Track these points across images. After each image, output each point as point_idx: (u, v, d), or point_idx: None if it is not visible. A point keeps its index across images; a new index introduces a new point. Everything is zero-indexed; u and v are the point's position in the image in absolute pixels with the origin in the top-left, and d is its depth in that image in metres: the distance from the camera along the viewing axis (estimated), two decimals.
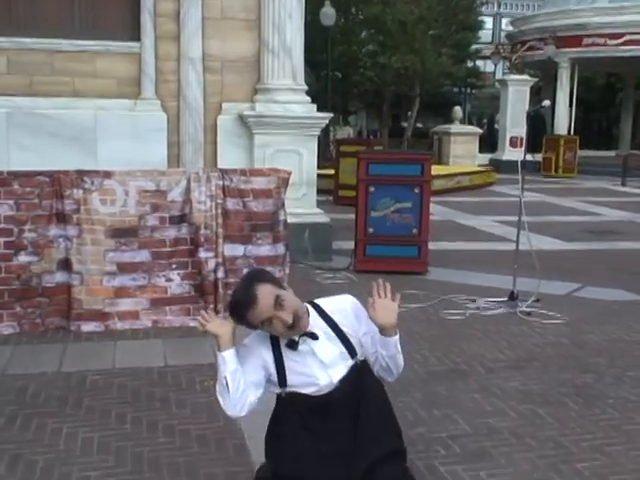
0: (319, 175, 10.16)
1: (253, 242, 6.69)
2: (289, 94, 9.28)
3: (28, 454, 4.09)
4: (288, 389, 3.10)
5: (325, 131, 24.14)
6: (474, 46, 38.72)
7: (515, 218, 7.78)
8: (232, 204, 6.59)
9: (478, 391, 5.15)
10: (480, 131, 27.41)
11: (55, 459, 4.04)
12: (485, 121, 42.47)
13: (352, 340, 3.15)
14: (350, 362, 3.12)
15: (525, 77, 26.67)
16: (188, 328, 6.43)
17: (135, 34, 9.05)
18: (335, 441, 3.10)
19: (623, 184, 21.63)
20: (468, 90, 45.51)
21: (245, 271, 6.63)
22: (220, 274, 6.57)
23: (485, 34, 42.96)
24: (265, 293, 2.98)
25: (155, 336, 6.28)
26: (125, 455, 4.10)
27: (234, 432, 4.37)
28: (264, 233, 6.71)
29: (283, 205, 6.79)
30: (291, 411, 3.13)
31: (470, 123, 35.99)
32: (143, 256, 6.47)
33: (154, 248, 6.47)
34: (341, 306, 3.22)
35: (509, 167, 20.78)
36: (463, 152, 24.43)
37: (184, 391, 5.04)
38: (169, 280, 6.54)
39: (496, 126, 33.43)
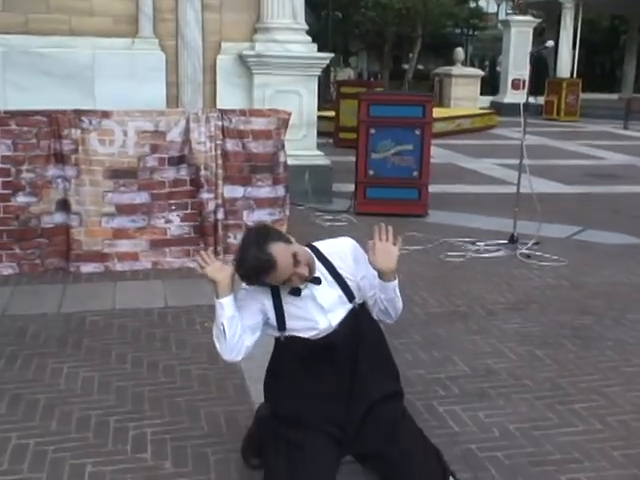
0: (319, 117, 10.07)
1: (253, 184, 6.64)
2: (289, 34, 9.15)
3: (29, 394, 4.11)
4: (287, 333, 3.10)
5: (325, 72, 23.89)
6: None
7: (516, 161, 7.74)
8: (231, 145, 6.53)
9: (477, 333, 5.17)
10: (482, 73, 27.15)
11: (56, 398, 4.06)
12: (487, 63, 41.98)
13: (350, 284, 3.14)
14: (348, 306, 3.12)
15: (528, 18, 26.32)
16: (188, 269, 6.43)
17: None
18: (334, 383, 3.11)
19: (625, 127, 21.48)
20: (470, 31, 44.91)
21: (246, 217, 6.63)
22: (220, 215, 6.55)
23: None
24: (282, 253, 2.90)
25: (155, 277, 6.28)
26: (126, 394, 4.13)
27: (234, 372, 4.39)
28: (264, 174, 6.66)
29: (283, 146, 6.74)
30: (290, 354, 3.13)
31: (472, 65, 35.59)
32: (142, 197, 6.43)
33: (153, 189, 6.43)
34: (340, 249, 3.19)
35: (510, 110, 20.64)
36: (464, 94, 24.23)
37: (184, 332, 5.06)
38: (168, 222, 6.52)
39: (498, 68, 33.06)
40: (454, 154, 14.77)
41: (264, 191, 6.69)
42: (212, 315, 5.33)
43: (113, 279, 6.19)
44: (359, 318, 3.15)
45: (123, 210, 6.39)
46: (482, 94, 25.63)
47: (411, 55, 33.39)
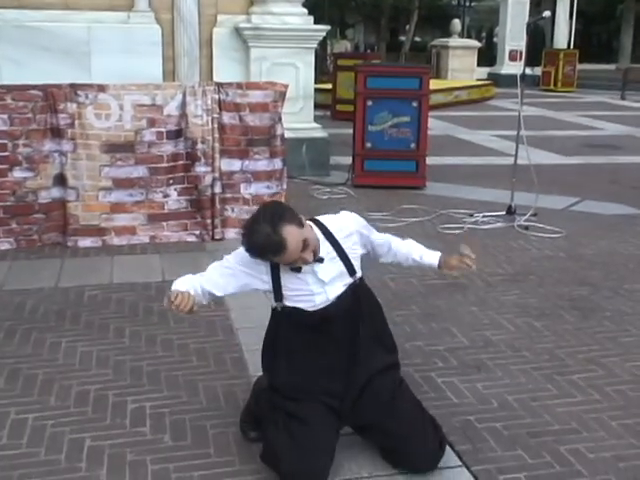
0: (316, 90, 10.03)
1: (250, 157, 6.61)
2: (285, 6, 9.08)
3: (27, 368, 4.11)
4: (284, 303, 3.10)
5: (322, 45, 23.74)
6: None
7: (513, 132, 7.71)
8: (228, 118, 6.50)
9: (476, 304, 5.17)
10: (479, 44, 27.00)
11: (55, 373, 4.06)
12: (484, 34, 41.80)
13: (352, 257, 3.15)
14: (348, 280, 3.14)
15: None
16: (185, 243, 6.44)
17: None
18: (332, 355, 3.12)
19: (623, 98, 21.43)
20: (467, 3, 44.62)
21: (243, 190, 6.61)
22: (217, 189, 6.53)
23: None
24: (294, 238, 2.87)
25: (152, 251, 6.27)
26: (124, 369, 4.13)
27: (232, 346, 4.40)
28: (261, 147, 6.63)
29: (280, 119, 6.70)
30: (287, 325, 3.14)
31: (469, 36, 35.34)
32: (140, 171, 6.41)
33: (151, 164, 6.41)
34: (344, 224, 3.20)
35: (508, 81, 20.56)
36: (461, 66, 24.11)
37: None
38: (166, 196, 6.50)
39: (495, 39, 32.92)
40: (451, 126, 14.72)
41: (261, 164, 6.66)
42: None
43: (110, 253, 6.18)
44: (358, 292, 3.16)
45: (120, 184, 6.37)
46: (479, 65, 25.49)
47: (408, 27, 33.17)
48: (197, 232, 6.55)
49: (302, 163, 8.90)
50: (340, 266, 3.11)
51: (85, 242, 6.33)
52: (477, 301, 5.23)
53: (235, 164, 6.61)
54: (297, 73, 9.10)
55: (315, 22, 9.46)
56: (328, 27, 10.12)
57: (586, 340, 4.62)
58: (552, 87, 23.95)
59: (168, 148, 6.42)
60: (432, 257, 3.49)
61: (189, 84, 6.72)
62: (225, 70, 8.96)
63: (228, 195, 6.59)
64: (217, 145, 6.47)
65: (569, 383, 4.05)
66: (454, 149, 11.82)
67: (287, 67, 9.00)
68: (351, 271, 3.14)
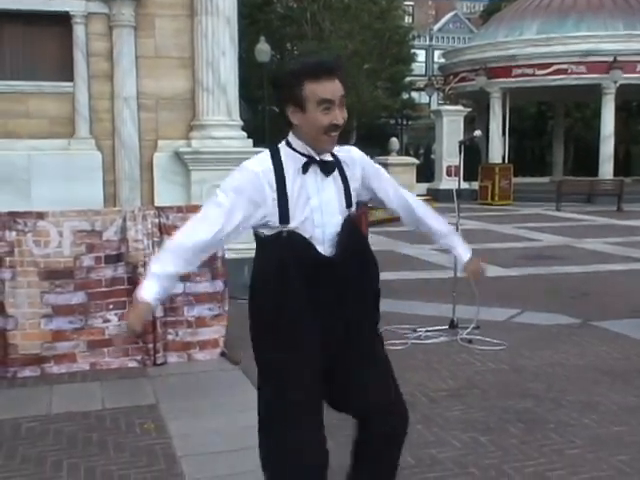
0: None
1: (191, 279, 6.61)
2: (224, 130, 9.29)
3: None
4: (291, 226, 2.96)
5: None
6: (408, 78, 39.46)
7: None
8: None
9: (421, 422, 5.14)
10: (417, 161, 27.75)
11: None
12: (422, 151, 42.99)
13: (352, 189, 3.09)
14: (344, 211, 3.06)
15: (459, 107, 27.19)
16: (127, 369, 6.33)
17: (68, 74, 8.99)
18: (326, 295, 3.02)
19: (558, 209, 22.10)
20: (404, 121, 46.12)
21: (186, 313, 6.58)
22: (159, 313, 6.47)
23: (418, 66, 43.82)
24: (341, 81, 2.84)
25: (93, 379, 6.14)
26: None
27: (174, 475, 4.28)
28: (202, 269, 6.63)
29: None
30: (287, 258, 2.99)
31: (407, 154, 36.37)
32: (79, 297, 6.35)
33: (90, 289, 6.36)
34: (351, 151, 3.17)
35: (446, 196, 20.93)
36: (401, 182, 24.20)
37: (123, 434, 4.92)
38: (106, 321, 6.42)
39: (432, 156, 33.89)
40: (393, 241, 14.94)
41: (203, 286, 6.65)
42: (153, 416, 5.25)
43: (49, 382, 6.03)
44: (350, 228, 3.07)
45: (60, 311, 6.29)
46: (418, 181, 26.11)
47: None
48: (139, 357, 6.46)
49: (245, 283, 8.89)
50: (340, 196, 3.03)
51: (24, 372, 6.18)
52: (422, 418, 5.20)
53: (177, 287, 6.59)
54: None
55: (256, 144, 9.66)
56: (267, 149, 10.32)
57: (532, 454, 4.60)
58: (490, 201, 24.62)
59: (107, 272, 6.39)
60: (463, 254, 3.53)
61: (129, 209, 6.76)
62: (166, 193, 9.05)
63: (170, 318, 6.55)
64: None
65: None
66: (395, 264, 11.96)
67: None
68: (348, 200, 3.05)
